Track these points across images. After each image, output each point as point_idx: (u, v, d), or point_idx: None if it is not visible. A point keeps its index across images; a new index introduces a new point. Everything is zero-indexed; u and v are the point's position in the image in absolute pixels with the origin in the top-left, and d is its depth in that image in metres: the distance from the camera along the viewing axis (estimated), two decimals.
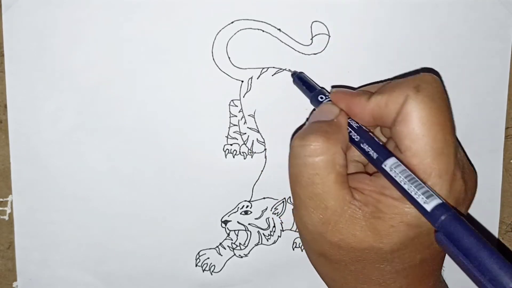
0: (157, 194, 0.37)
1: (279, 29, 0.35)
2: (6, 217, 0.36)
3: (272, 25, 0.35)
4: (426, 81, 0.27)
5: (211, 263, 0.38)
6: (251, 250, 0.38)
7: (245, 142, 0.36)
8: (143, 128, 0.35)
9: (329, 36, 0.35)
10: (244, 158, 0.37)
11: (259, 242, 0.38)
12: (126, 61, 0.34)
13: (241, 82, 0.35)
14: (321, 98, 0.32)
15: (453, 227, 0.23)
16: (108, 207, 0.36)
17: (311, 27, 0.35)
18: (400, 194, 0.26)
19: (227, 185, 0.37)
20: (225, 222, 0.37)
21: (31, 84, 0.34)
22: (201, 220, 0.37)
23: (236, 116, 0.36)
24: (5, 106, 0.35)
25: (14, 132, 0.35)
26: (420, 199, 0.25)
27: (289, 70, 0.35)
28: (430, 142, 0.26)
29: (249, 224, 0.38)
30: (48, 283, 0.37)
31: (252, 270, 0.39)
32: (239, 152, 0.36)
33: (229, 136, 0.36)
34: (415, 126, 0.26)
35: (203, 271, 0.38)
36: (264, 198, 0.37)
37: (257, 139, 0.36)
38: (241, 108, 0.36)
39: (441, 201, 0.25)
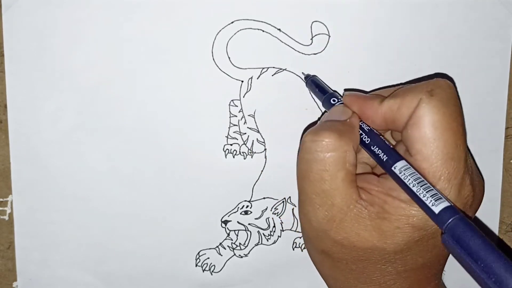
0: (157, 194, 0.37)
1: (279, 29, 0.35)
2: (6, 217, 0.36)
3: (272, 25, 0.35)
4: (440, 86, 0.27)
5: (211, 263, 0.38)
6: (251, 250, 0.38)
7: (245, 142, 0.36)
8: (143, 128, 0.35)
9: (329, 36, 0.35)
10: (244, 158, 0.37)
11: (259, 242, 0.38)
12: (126, 61, 0.34)
13: (241, 82, 0.35)
14: (334, 101, 0.32)
15: (461, 230, 0.24)
16: (108, 207, 0.36)
17: (311, 27, 0.35)
18: (407, 197, 0.26)
19: (227, 185, 0.37)
20: (225, 222, 0.38)
21: (31, 84, 0.34)
22: (201, 220, 0.37)
23: (236, 116, 0.36)
24: (5, 106, 0.35)
25: (14, 132, 0.35)
26: (429, 201, 0.25)
27: (302, 73, 0.35)
28: (441, 146, 0.26)
29: (249, 224, 0.38)
30: (48, 283, 0.37)
31: (252, 270, 0.39)
32: (239, 152, 0.36)
33: (229, 136, 0.36)
34: (427, 130, 0.26)
35: (203, 271, 0.38)
36: (264, 198, 0.37)
37: (257, 139, 0.36)
38: (241, 108, 0.36)
39: (449, 204, 0.25)
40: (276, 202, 0.38)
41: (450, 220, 0.24)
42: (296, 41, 0.35)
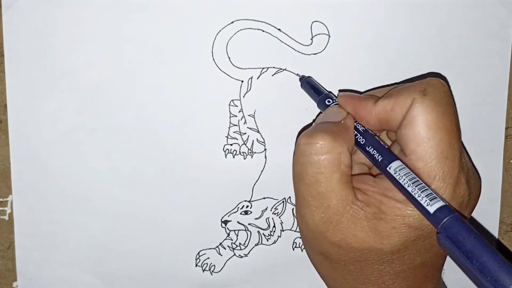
0: (157, 194, 0.37)
1: (279, 29, 0.35)
2: (6, 217, 0.36)
3: (272, 25, 0.35)
4: (433, 85, 0.27)
5: (211, 263, 0.38)
6: (251, 250, 0.38)
7: (245, 142, 0.36)
8: (143, 128, 0.35)
9: (329, 36, 0.35)
10: (244, 158, 0.37)
11: (259, 242, 0.38)
12: (126, 61, 0.34)
13: (241, 82, 0.35)
14: (328, 101, 0.32)
15: (455, 229, 0.24)
16: (108, 207, 0.36)
17: (311, 27, 0.35)
18: (403, 197, 0.26)
19: (227, 185, 0.37)
20: (225, 222, 0.38)
21: (31, 84, 0.34)
22: (201, 220, 0.37)
23: (236, 116, 0.36)
24: (5, 106, 0.35)
25: (14, 132, 0.35)
26: (423, 201, 0.25)
27: (297, 75, 0.35)
28: (435, 145, 0.26)
29: (249, 224, 0.38)
30: (48, 283, 0.37)
31: (252, 270, 0.39)
32: (239, 152, 0.36)
33: (229, 136, 0.36)
34: (421, 130, 0.26)
35: (203, 271, 0.38)
36: (264, 198, 0.37)
37: (257, 139, 0.36)
38: (241, 108, 0.36)
39: (444, 204, 0.25)
40: (276, 202, 0.38)
41: (445, 220, 0.24)
42: (296, 41, 0.35)
